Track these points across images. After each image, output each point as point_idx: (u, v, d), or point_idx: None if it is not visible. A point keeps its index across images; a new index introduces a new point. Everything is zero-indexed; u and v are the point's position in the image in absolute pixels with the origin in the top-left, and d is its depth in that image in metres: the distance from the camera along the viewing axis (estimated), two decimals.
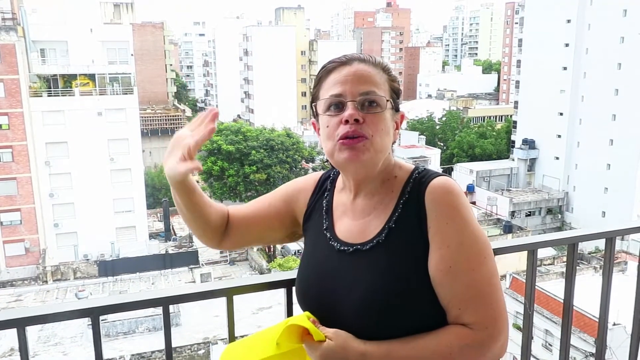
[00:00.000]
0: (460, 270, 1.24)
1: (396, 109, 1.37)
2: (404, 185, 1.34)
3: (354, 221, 1.38)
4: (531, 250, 1.96)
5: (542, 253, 26.67)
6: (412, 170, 1.37)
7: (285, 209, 1.52)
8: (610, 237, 2.09)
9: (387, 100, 1.33)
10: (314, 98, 1.38)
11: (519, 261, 20.06)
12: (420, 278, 1.26)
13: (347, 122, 1.29)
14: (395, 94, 1.37)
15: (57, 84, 36.08)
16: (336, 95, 1.31)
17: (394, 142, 1.39)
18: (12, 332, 1.28)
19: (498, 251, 1.79)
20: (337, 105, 1.31)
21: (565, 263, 2.10)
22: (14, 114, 33.12)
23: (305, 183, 1.54)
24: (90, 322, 1.39)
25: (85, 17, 36.88)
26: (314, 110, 1.37)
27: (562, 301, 2.13)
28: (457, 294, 1.25)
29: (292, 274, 1.53)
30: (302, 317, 1.27)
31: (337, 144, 1.30)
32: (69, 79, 36.42)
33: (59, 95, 35.27)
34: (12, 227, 33.44)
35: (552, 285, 20.74)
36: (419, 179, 1.33)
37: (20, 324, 1.29)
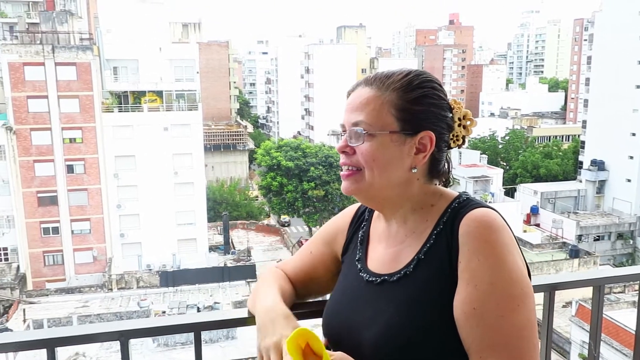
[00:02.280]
0: (486, 314, 1.13)
1: (413, 131, 1.24)
2: (440, 215, 1.26)
3: (388, 249, 1.32)
4: (597, 286, 1.74)
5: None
6: (452, 199, 1.28)
7: (326, 252, 1.48)
8: None
9: (378, 132, 1.23)
10: None
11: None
12: (444, 316, 1.17)
13: None
14: (411, 115, 1.24)
15: (127, 100, 37.77)
16: (340, 125, 1.31)
17: (434, 166, 1.28)
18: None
19: (559, 286, 1.64)
20: (343, 135, 1.30)
21: (638, 299, 1.85)
22: (87, 128, 34.88)
23: (342, 219, 1.50)
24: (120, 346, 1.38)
25: (156, 37, 38.49)
26: None
27: (633, 333, 1.98)
28: (479, 339, 1.13)
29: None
30: (313, 333, 1.20)
31: (341, 174, 1.32)
32: (138, 95, 38.04)
33: (128, 111, 36.85)
34: (82, 236, 35.06)
35: (622, 315, 19.60)
36: (457, 209, 1.24)
37: (50, 345, 1.30)
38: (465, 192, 1.31)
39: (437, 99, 1.28)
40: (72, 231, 34.87)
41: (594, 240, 41.52)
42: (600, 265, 34.23)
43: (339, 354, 1.17)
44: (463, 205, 1.25)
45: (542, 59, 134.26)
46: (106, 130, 35.40)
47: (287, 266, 1.52)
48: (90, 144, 35.07)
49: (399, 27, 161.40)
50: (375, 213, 1.41)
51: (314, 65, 72.64)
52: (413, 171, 1.26)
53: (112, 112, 36.29)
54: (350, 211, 1.49)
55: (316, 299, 1.51)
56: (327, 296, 1.46)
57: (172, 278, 32.68)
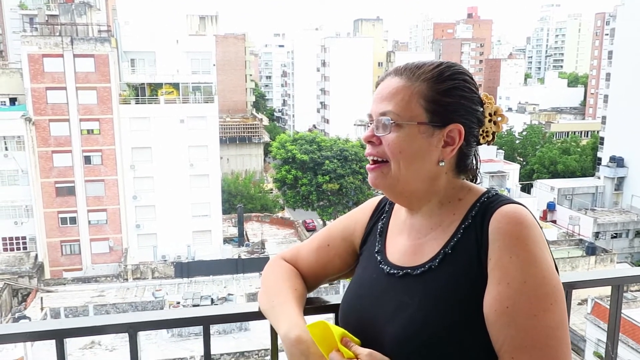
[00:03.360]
0: (518, 313, 1.09)
1: (442, 124, 1.21)
2: (468, 209, 1.22)
3: (409, 242, 1.28)
4: (616, 285, 1.70)
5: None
6: (481, 194, 1.25)
7: (343, 245, 1.45)
8: None
9: (407, 122, 1.20)
10: None
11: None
12: (470, 313, 1.13)
13: None
14: (441, 106, 1.21)
15: (144, 92, 38.03)
16: (368, 115, 1.28)
17: (462, 160, 1.26)
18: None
19: (576, 285, 1.59)
20: (370, 124, 1.27)
21: None
22: (105, 120, 35.20)
23: (361, 211, 1.47)
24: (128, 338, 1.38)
25: (173, 29, 38.62)
26: None
27: None
28: (511, 339, 1.09)
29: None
30: (338, 329, 1.18)
31: (367, 166, 1.29)
32: (155, 87, 38.29)
33: (145, 103, 37.11)
34: (98, 226, 35.48)
35: (639, 314, 19.37)
36: (487, 204, 1.20)
37: (59, 335, 1.30)
38: (493, 187, 1.28)
39: (468, 92, 1.25)
40: (89, 221, 35.30)
41: (612, 237, 40.98)
42: (617, 263, 33.80)
43: (368, 351, 1.13)
44: (492, 200, 1.21)
45: (562, 54, 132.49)
46: (123, 122, 35.69)
47: (300, 259, 1.47)
48: (108, 135, 35.40)
49: (416, 21, 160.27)
50: (397, 205, 1.38)
51: (330, 58, 72.44)
52: (440, 164, 1.23)
53: (129, 104, 36.58)
54: (370, 204, 1.47)
55: (327, 297, 1.49)
56: (340, 290, 1.44)
57: (186, 269, 32.95)
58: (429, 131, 1.21)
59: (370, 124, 1.26)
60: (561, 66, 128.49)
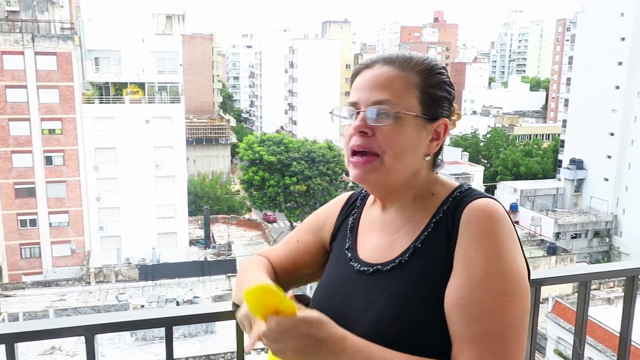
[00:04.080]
0: (473, 305, 1.06)
1: (432, 117, 1.20)
2: (440, 204, 1.20)
3: (381, 238, 1.26)
4: (584, 282, 1.73)
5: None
6: (454, 189, 1.23)
7: (313, 240, 1.41)
8: None
9: (397, 112, 1.16)
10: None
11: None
12: (440, 307, 1.11)
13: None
14: (432, 100, 1.20)
15: (108, 92, 37.30)
16: (352, 103, 1.21)
17: (437, 155, 1.25)
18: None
19: (545, 281, 1.60)
20: (355, 114, 1.19)
21: (623, 297, 1.85)
22: (67, 120, 34.37)
23: (331, 207, 1.44)
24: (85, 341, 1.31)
25: (139, 28, 38.05)
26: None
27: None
28: (461, 330, 1.07)
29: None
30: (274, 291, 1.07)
31: (350, 161, 1.21)
32: (120, 87, 37.60)
33: (109, 103, 36.40)
34: (59, 229, 34.58)
35: (597, 312, 19.92)
36: (459, 199, 1.18)
37: (8, 340, 1.23)
38: (466, 182, 1.27)
39: (451, 88, 1.25)
40: (50, 224, 34.38)
41: (572, 238, 42.12)
42: (577, 262, 34.75)
43: (315, 312, 1.07)
44: (465, 194, 1.20)
45: (525, 59, 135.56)
46: (86, 122, 34.93)
47: (270, 254, 1.45)
48: (70, 135, 34.57)
49: (383, 24, 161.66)
50: (369, 201, 1.36)
51: (298, 60, 72.43)
52: (426, 159, 1.22)
53: (93, 103, 35.82)
54: (340, 199, 1.44)
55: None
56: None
57: (151, 272, 32.40)
58: (422, 124, 1.19)
59: (355, 113, 1.20)
60: (524, 70, 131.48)
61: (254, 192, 41.77)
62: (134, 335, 23.73)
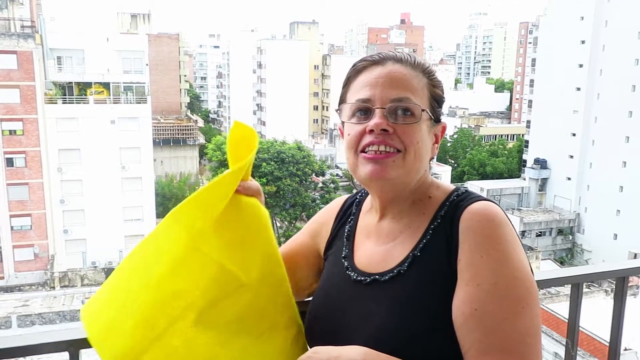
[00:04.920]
0: (487, 316, 1.01)
1: (436, 119, 1.19)
2: (438, 208, 1.16)
3: (378, 246, 1.21)
4: (576, 283, 1.73)
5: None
6: (450, 192, 1.19)
7: (310, 244, 1.37)
8: None
9: (423, 110, 1.15)
10: (341, 101, 1.22)
11: None
12: (441, 318, 1.06)
13: (372, 131, 1.12)
14: (436, 102, 1.19)
15: (72, 92, 36.47)
16: (363, 100, 1.14)
17: (431, 159, 1.22)
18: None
19: (538, 284, 1.62)
20: (364, 111, 1.14)
21: (614, 298, 1.87)
22: (29, 120, 33.45)
23: (327, 212, 1.39)
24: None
25: (103, 27, 37.37)
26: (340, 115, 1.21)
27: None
28: (478, 343, 1.01)
29: None
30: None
31: (360, 156, 1.14)
32: (84, 87, 36.82)
33: (73, 103, 35.60)
34: (22, 232, 33.62)
35: (562, 308, 20.40)
36: (457, 202, 1.14)
37: None
38: (463, 185, 1.25)
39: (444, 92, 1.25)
40: (12, 227, 33.39)
41: (537, 236, 43.11)
42: (542, 260, 35.55)
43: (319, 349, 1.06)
44: (462, 197, 1.15)
45: (489, 60, 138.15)
46: (49, 123, 34.07)
47: None
48: (32, 136, 33.64)
49: (351, 25, 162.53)
50: (364, 207, 1.31)
51: (266, 60, 72.15)
52: (432, 161, 1.23)
53: (56, 103, 34.97)
54: (336, 204, 1.39)
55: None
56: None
57: None
58: (432, 125, 1.19)
59: (367, 110, 1.15)
60: (489, 72, 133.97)
61: None
62: None
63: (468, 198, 1.14)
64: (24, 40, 33.23)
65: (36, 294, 29.64)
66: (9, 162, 33.23)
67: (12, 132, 33.26)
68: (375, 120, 1.13)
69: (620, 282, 1.82)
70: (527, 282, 1.05)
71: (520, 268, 1.05)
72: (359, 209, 1.33)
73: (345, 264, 1.24)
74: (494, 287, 1.03)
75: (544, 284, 1.67)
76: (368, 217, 1.28)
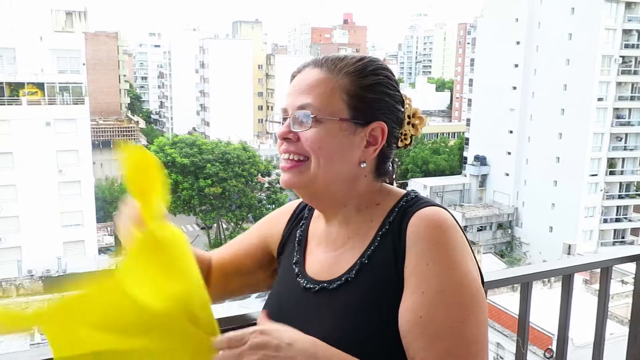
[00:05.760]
0: (432, 324, 1.00)
1: (365, 121, 1.13)
2: (387, 215, 1.14)
3: (327, 253, 1.20)
4: (525, 282, 1.76)
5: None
6: (400, 198, 1.16)
7: (260, 245, 1.34)
8: (606, 267, 1.98)
9: (327, 116, 1.10)
10: None
11: None
12: (389, 327, 1.04)
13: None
14: (363, 103, 1.13)
15: (2, 92, 34.85)
16: (282, 109, 1.17)
17: (381, 162, 1.18)
18: None
19: (487, 285, 1.58)
20: (284, 120, 1.16)
21: (561, 295, 1.92)
22: None
23: (279, 213, 1.37)
24: None
25: (35, 25, 35.89)
26: None
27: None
28: (423, 352, 1.01)
29: None
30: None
31: (280, 165, 1.17)
32: (16, 87, 35.22)
33: (4, 104, 34.05)
34: None
35: (503, 299, 21.13)
36: (405, 208, 1.12)
37: None
38: (414, 190, 1.21)
39: (392, 89, 1.18)
40: None
41: (478, 230, 44.52)
42: (483, 253, 36.71)
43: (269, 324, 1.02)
44: (411, 203, 1.13)
45: (430, 60, 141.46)
46: None
47: (213, 255, 1.37)
48: None
49: (294, 25, 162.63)
50: (316, 212, 1.29)
51: (209, 59, 71.13)
52: (362, 166, 1.14)
53: None
54: (289, 207, 1.37)
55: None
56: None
57: (57, 283, 30.63)
58: (351, 128, 1.13)
59: (286, 119, 1.15)
60: (430, 72, 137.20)
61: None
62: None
63: (417, 203, 1.12)
64: None
65: None
66: None
67: None
68: (281, 129, 1.15)
69: (566, 279, 1.88)
70: (473, 289, 1.04)
71: (467, 275, 1.04)
72: (311, 214, 1.31)
73: (296, 270, 1.22)
74: (439, 295, 1.02)
75: (494, 284, 1.70)
76: (318, 222, 1.26)
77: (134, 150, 0.95)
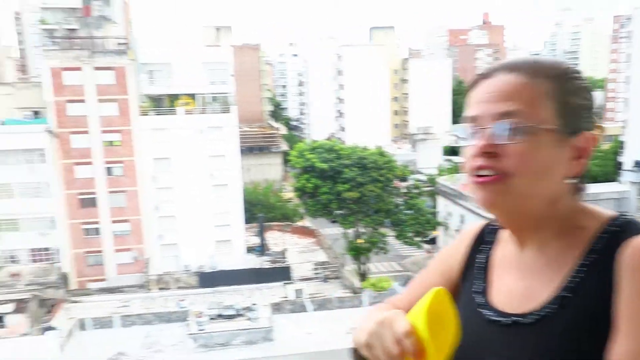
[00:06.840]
0: None
1: (572, 131, 0.99)
2: (592, 241, 0.99)
3: (518, 281, 1.06)
4: None
5: None
6: (606, 220, 1.01)
7: (440, 282, 1.21)
8: None
9: (542, 126, 0.96)
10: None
11: None
12: None
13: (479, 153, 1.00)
14: (571, 110, 0.99)
15: (163, 104, 38.25)
16: (471, 118, 1.02)
17: (572, 177, 1.02)
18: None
19: None
20: (476, 131, 1.01)
21: None
22: (125, 132, 35.45)
23: (459, 242, 1.25)
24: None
25: (189, 40, 38.93)
26: None
27: None
28: None
29: None
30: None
31: (471, 180, 1.01)
32: (172, 98, 38.48)
33: (164, 114, 37.30)
34: (122, 237, 35.63)
35: None
36: (616, 234, 0.97)
37: None
38: (625, 211, 1.05)
39: (590, 96, 1.03)
40: (114, 232, 35.46)
41: None
42: None
43: None
44: (623, 228, 0.98)
45: (577, 57, 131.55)
46: (143, 133, 35.88)
47: (395, 301, 1.25)
48: (128, 146, 35.63)
49: (430, 28, 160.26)
50: (503, 235, 1.16)
51: (345, 66, 72.46)
52: (566, 182, 1.01)
53: (148, 115, 36.79)
54: (469, 233, 1.24)
55: None
56: None
57: (209, 279, 32.88)
58: (560, 139, 0.99)
59: (477, 129, 1.01)
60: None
61: (307, 200, 41.81)
62: (197, 342, 24.08)
63: (630, 229, 0.96)
64: (119, 57, 35.31)
65: (135, 296, 31.27)
66: (109, 172, 35.34)
67: (110, 143, 35.38)
68: (478, 141, 1.00)
69: None
70: None
71: None
72: (496, 237, 1.18)
73: (477, 299, 1.11)
74: None
75: None
76: (507, 246, 1.13)
77: (439, 294, 0.95)
